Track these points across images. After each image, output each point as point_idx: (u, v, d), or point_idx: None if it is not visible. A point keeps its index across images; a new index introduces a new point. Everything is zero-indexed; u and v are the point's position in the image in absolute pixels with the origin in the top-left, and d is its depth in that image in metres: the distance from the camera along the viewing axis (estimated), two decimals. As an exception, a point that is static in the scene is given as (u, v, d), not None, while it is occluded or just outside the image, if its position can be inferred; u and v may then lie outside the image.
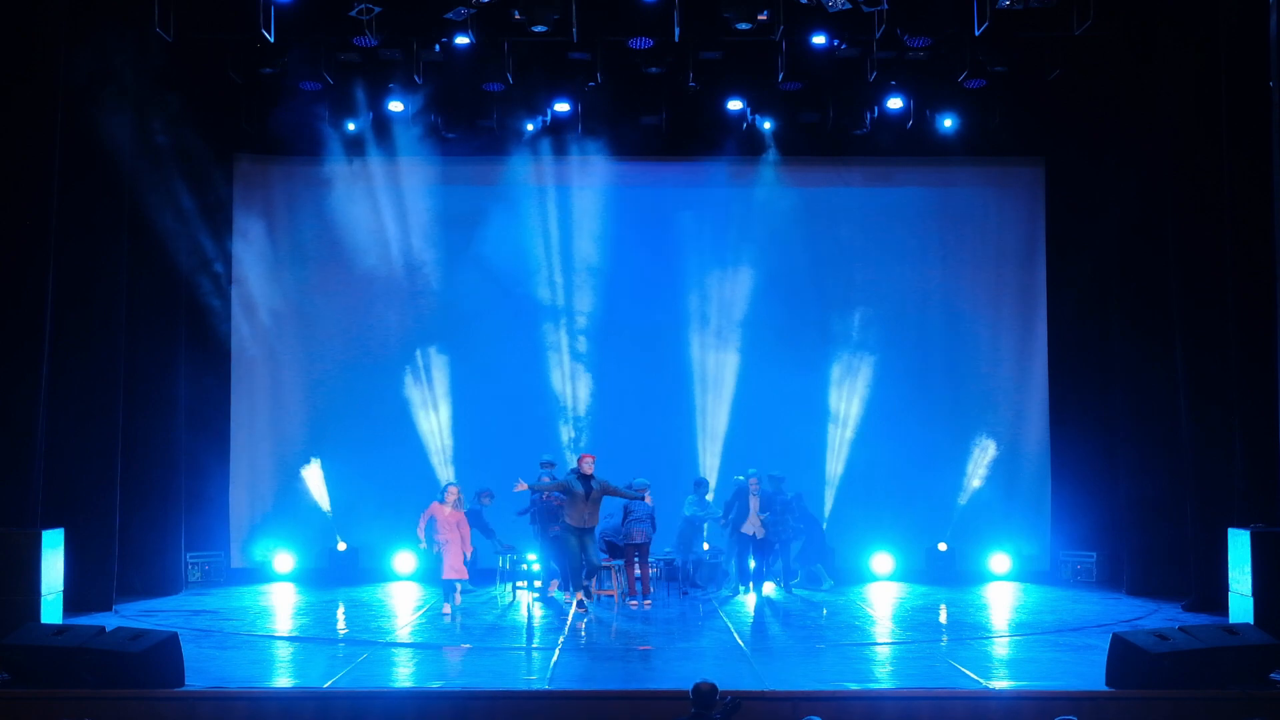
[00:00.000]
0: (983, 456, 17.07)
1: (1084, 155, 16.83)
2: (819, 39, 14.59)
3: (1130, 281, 15.58)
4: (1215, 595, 12.89)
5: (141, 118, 14.37)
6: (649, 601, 14.24)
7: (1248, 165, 12.30)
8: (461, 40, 14.51)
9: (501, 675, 10.49)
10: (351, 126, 16.59)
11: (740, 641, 12.00)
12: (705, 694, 7.53)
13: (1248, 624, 11.01)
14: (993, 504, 17.22)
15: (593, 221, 17.24)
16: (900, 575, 16.85)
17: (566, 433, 17.26)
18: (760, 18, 13.59)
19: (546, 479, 14.38)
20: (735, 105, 16.44)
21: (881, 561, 16.88)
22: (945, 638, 12.47)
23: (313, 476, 16.89)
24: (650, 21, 14.20)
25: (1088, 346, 16.89)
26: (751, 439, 16.95)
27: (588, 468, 13.52)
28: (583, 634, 12.54)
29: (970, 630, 12.98)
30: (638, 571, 14.31)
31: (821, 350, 17.44)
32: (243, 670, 10.68)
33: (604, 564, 14.17)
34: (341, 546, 17.00)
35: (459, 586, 13.82)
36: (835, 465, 17.23)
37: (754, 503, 14.88)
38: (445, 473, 17.25)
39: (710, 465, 17.14)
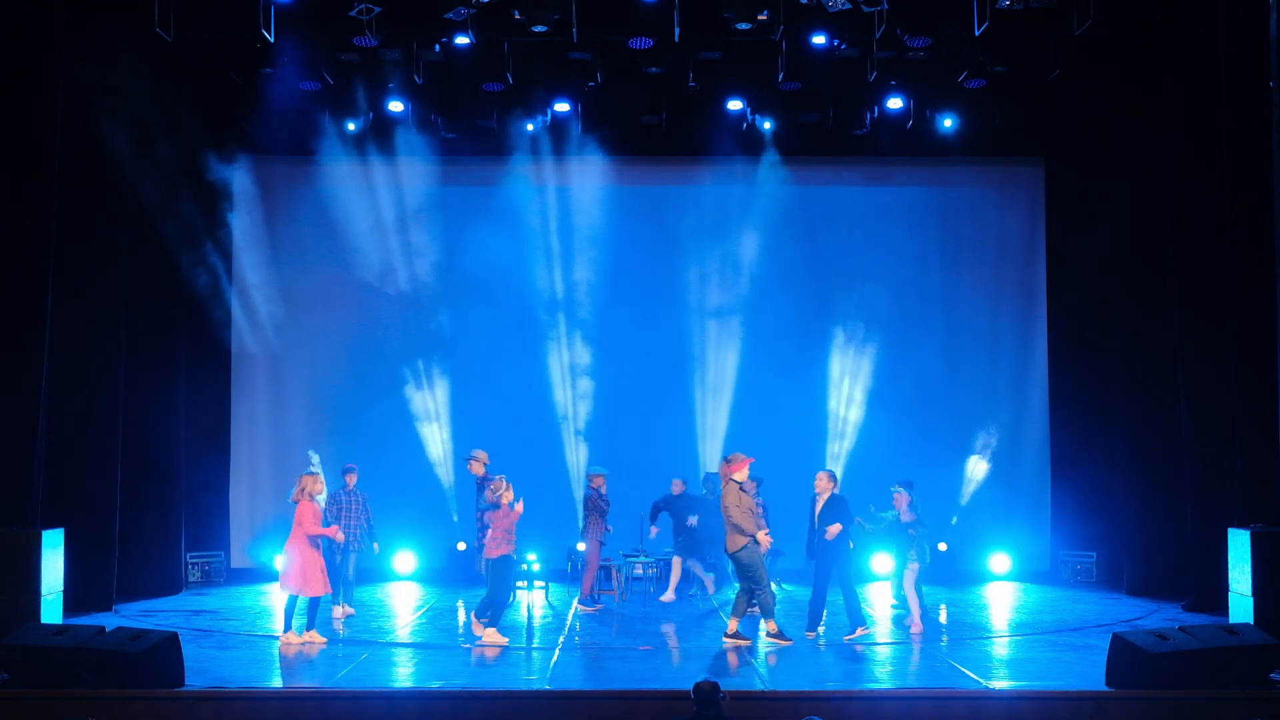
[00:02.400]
0: (983, 457, 17.06)
1: (1084, 155, 16.84)
2: (819, 39, 14.59)
3: (1130, 281, 15.60)
4: (1215, 595, 12.89)
5: (141, 118, 14.36)
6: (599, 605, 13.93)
7: (1247, 165, 12.30)
8: (461, 40, 14.51)
9: (501, 675, 10.49)
10: (351, 126, 16.60)
11: (724, 645, 11.98)
12: (707, 693, 7.53)
13: (1248, 624, 11.01)
14: (993, 504, 17.21)
15: (592, 221, 17.24)
16: (900, 575, 16.80)
17: (567, 429, 17.27)
18: (760, 18, 13.58)
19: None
20: (735, 105, 16.44)
21: (881, 561, 16.88)
22: (945, 638, 12.47)
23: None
24: (650, 21, 14.19)
25: (1088, 346, 16.90)
26: (751, 437, 16.91)
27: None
28: (579, 634, 12.55)
29: (970, 630, 12.98)
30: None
31: (821, 350, 17.43)
32: (243, 670, 10.68)
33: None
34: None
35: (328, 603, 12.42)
36: (835, 465, 17.20)
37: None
38: (445, 471, 17.22)
39: (710, 463, 17.13)
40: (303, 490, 11.99)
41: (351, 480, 13.55)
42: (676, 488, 14.79)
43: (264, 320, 17.31)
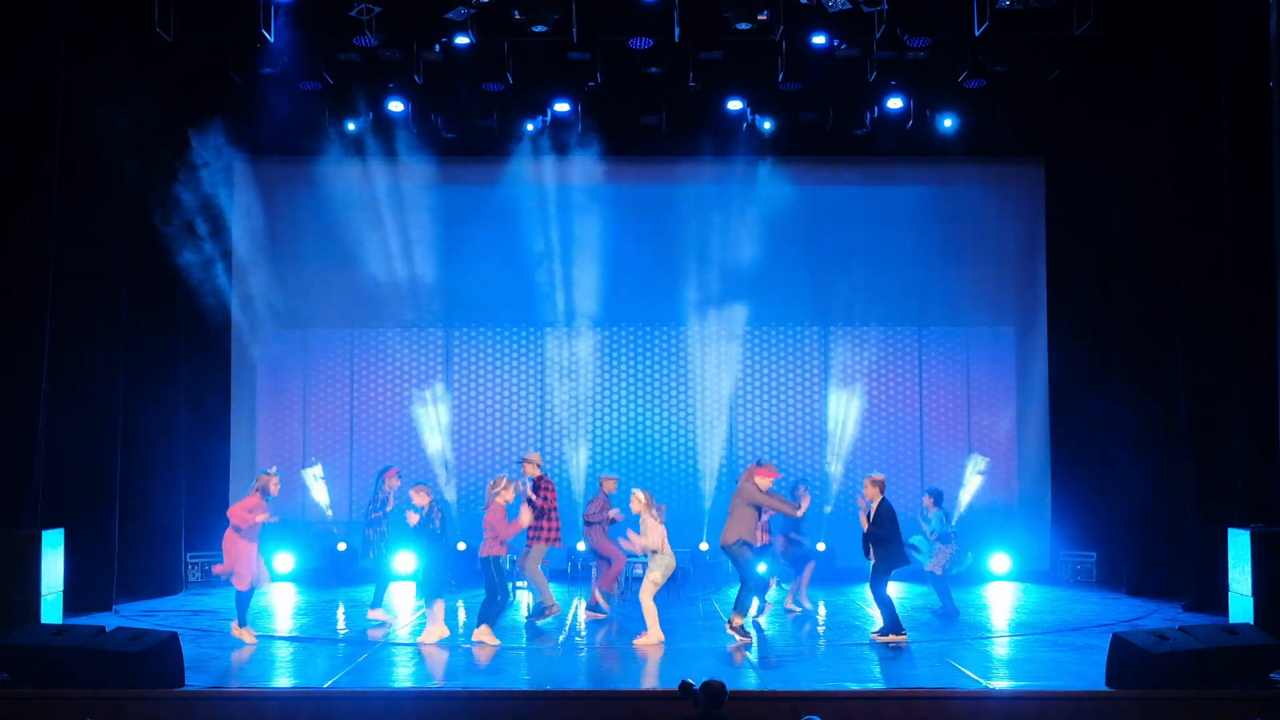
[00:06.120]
0: (982, 456, 17.03)
1: (1084, 155, 16.85)
2: (819, 39, 14.60)
3: (1130, 281, 15.60)
4: (1215, 595, 12.89)
5: (141, 118, 14.37)
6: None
7: (1248, 165, 12.30)
8: (461, 40, 14.52)
9: (502, 675, 10.49)
10: (351, 126, 16.61)
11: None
12: (716, 692, 7.48)
13: (1248, 624, 11.02)
14: (993, 504, 17.21)
15: (592, 221, 17.25)
16: (900, 575, 16.76)
17: (566, 429, 17.27)
18: (760, 18, 13.60)
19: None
20: (735, 105, 16.45)
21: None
22: (945, 638, 12.46)
23: (312, 477, 16.87)
24: (650, 21, 14.20)
25: (1087, 346, 16.88)
26: (752, 438, 16.97)
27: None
28: (582, 634, 12.56)
29: (970, 630, 12.98)
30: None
31: (821, 350, 17.45)
32: (243, 670, 10.68)
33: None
34: (341, 547, 17.00)
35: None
36: (835, 465, 17.21)
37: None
38: (444, 469, 17.21)
39: (710, 465, 17.14)
40: (260, 487, 12.08)
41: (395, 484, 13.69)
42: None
43: (263, 320, 17.33)
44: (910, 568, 13.10)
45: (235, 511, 12.01)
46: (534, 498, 12.71)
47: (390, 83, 15.92)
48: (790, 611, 13.84)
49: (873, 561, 12.26)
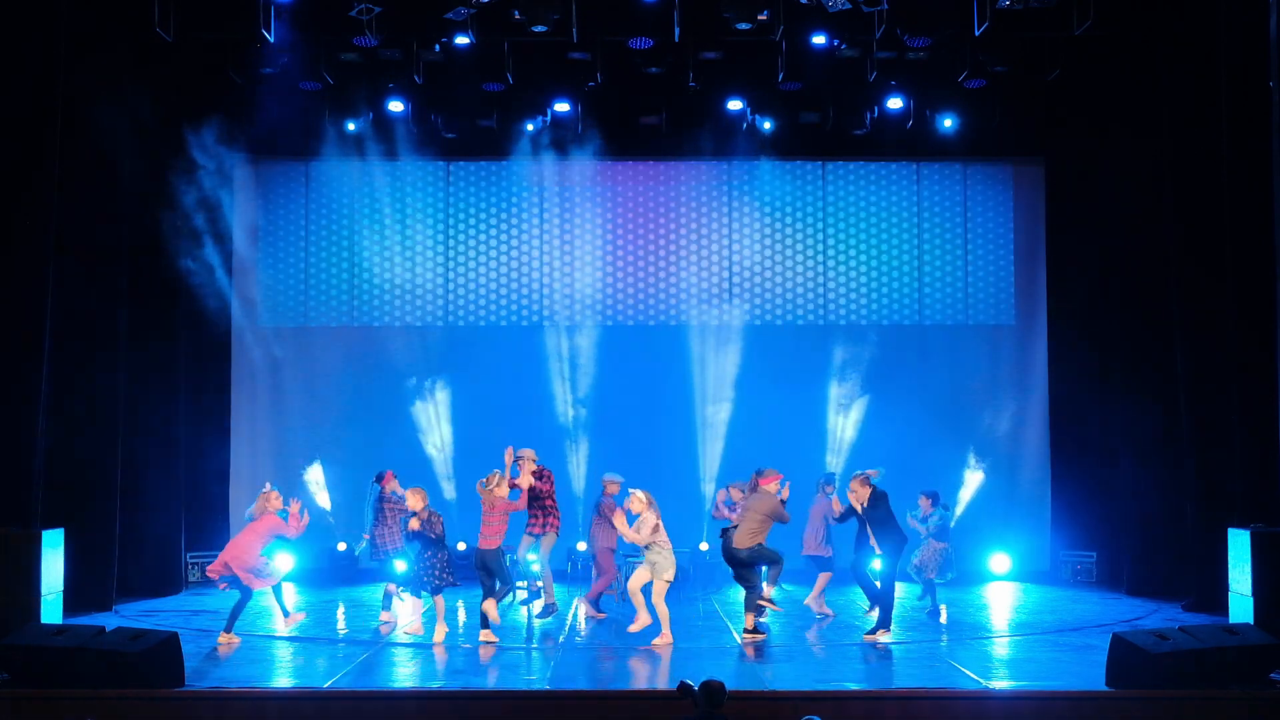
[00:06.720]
0: (983, 456, 17.04)
1: (1084, 155, 16.85)
2: (819, 39, 14.61)
3: (1130, 281, 15.61)
4: (1215, 595, 12.88)
5: (141, 118, 14.37)
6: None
7: (1248, 165, 12.29)
8: (461, 40, 14.53)
9: (501, 675, 10.49)
10: (351, 126, 16.61)
11: (740, 641, 11.99)
12: (715, 692, 7.48)
13: (1248, 624, 11.01)
14: (993, 503, 17.20)
15: (592, 221, 17.25)
16: (900, 575, 16.77)
17: (565, 430, 17.27)
18: (760, 18, 13.61)
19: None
20: (735, 105, 16.46)
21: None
22: (945, 638, 12.47)
23: (313, 477, 16.88)
24: (650, 21, 14.21)
25: (1088, 346, 16.88)
26: (752, 441, 16.94)
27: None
28: (582, 633, 12.55)
29: (970, 630, 12.98)
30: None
31: (822, 350, 17.44)
32: (243, 670, 10.68)
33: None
34: (341, 547, 17.01)
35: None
36: (835, 465, 17.20)
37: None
38: (444, 471, 17.21)
39: (710, 468, 17.13)
40: (265, 508, 12.09)
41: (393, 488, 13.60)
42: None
43: (264, 320, 17.34)
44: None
45: (275, 528, 11.98)
46: (537, 484, 12.69)
47: (390, 83, 15.93)
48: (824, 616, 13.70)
49: (878, 553, 12.29)
